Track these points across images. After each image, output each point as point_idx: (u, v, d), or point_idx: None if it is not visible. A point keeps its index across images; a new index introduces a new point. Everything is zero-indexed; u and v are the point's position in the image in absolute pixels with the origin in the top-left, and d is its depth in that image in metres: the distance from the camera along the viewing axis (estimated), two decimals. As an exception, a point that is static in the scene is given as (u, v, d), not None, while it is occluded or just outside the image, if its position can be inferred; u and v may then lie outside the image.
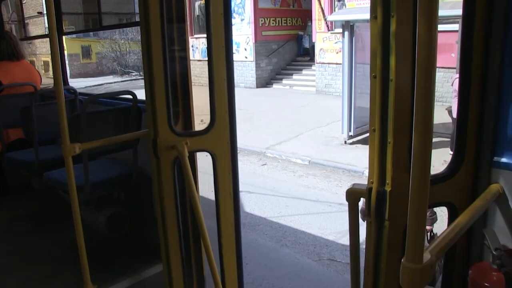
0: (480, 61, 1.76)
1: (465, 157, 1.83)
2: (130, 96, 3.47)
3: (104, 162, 3.73)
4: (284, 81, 20.30)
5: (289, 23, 21.14)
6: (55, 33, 2.61)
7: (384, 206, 1.80)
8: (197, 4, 21.74)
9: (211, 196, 2.89)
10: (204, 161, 3.06)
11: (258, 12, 19.68)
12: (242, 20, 20.15)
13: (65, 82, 5.11)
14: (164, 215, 2.68)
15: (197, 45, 22.55)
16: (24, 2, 15.39)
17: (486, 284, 1.57)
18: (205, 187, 3.25)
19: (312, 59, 19.49)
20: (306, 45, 20.82)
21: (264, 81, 20.72)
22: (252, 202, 7.67)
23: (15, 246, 3.89)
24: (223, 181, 2.82)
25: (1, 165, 4.85)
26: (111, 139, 3.08)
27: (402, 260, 1.18)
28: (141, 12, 2.44)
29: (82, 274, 3.07)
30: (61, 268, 3.46)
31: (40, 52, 23.61)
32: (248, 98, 17.92)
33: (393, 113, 1.73)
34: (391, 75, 1.70)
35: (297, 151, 10.25)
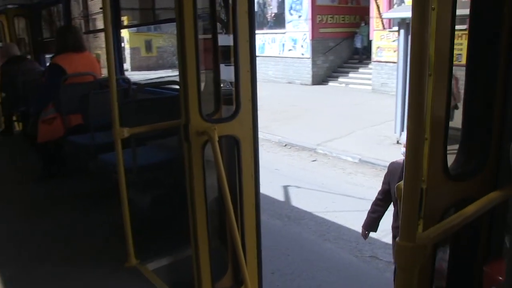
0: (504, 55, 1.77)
1: (489, 155, 1.84)
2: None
3: (152, 148, 3.99)
4: (340, 79, 20.14)
5: (347, 20, 20.91)
6: (110, 27, 2.90)
7: (421, 203, 1.78)
8: (255, 0, 21.98)
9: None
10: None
11: (316, 9, 19.62)
12: (299, 17, 20.18)
13: (121, 73, 5.47)
14: (193, 196, 2.89)
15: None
16: (91, -1, 16.32)
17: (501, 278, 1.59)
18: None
19: (368, 57, 19.18)
20: (358, 45, 20.40)
21: (320, 79, 20.65)
22: (299, 196, 7.78)
23: (71, 221, 4.23)
24: (246, 164, 3.05)
25: (63, 148, 5.28)
26: (156, 125, 3.32)
27: (397, 239, 1.27)
28: (176, 7, 2.65)
29: (126, 249, 3.35)
30: (109, 243, 3.75)
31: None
32: (303, 95, 17.97)
33: (431, 109, 1.66)
34: (430, 70, 1.62)
35: (348, 149, 10.23)
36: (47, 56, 8.51)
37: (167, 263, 3.50)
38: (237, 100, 3.00)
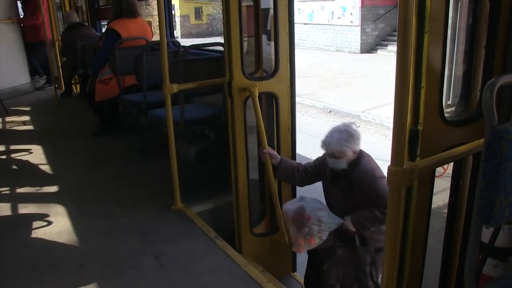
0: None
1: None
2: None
3: (197, 105, 4.32)
4: (389, 47, 19.75)
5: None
6: (162, -6, 3.19)
7: (417, 143, 1.98)
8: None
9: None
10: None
11: (366, -25, 19.18)
12: (349, -17, 19.80)
13: (171, 37, 5.79)
14: (235, 147, 3.21)
15: (303, 9, 22.60)
16: (144, -34, 16.65)
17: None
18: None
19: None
20: None
21: (369, 47, 20.31)
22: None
23: (126, 171, 4.67)
24: (284, 119, 3.37)
25: (118, 106, 5.72)
26: (202, 82, 3.63)
27: (388, 165, 1.52)
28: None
29: (173, 194, 3.72)
30: (157, 188, 4.15)
31: (157, 13, 25.18)
32: (350, 63, 17.80)
33: (426, 61, 1.88)
34: (426, 27, 1.84)
35: (391, 116, 10.20)
36: (103, 22, 8.98)
37: (209, 208, 3.85)
38: (276, 60, 3.29)
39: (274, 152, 3.26)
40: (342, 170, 2.92)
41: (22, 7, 9.13)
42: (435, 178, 2.18)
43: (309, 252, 3.24)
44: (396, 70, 1.46)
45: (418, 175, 1.60)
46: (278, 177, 3.31)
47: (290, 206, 3.01)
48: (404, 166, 1.50)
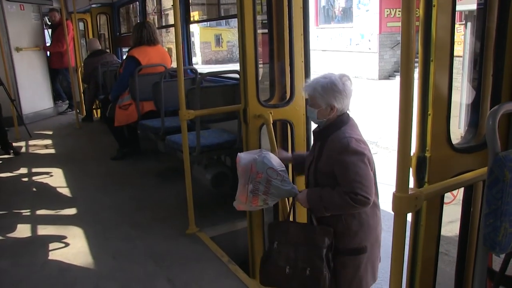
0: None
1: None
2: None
3: (214, 131, 4.39)
4: (407, 74, 19.71)
5: (417, 14, 20.32)
6: (179, 22, 3.34)
7: (424, 170, 2.00)
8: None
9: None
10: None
11: (384, 2, 19.31)
12: (367, 11, 19.97)
13: (189, 64, 5.94)
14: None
15: (322, 35, 22.78)
16: (165, -5, 17.11)
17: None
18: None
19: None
20: None
21: (387, 73, 20.32)
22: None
23: (142, 194, 4.75)
24: (299, 145, 3.41)
25: (136, 131, 5.85)
26: (218, 109, 3.72)
27: (393, 191, 1.55)
28: (238, 5, 3.01)
29: (188, 218, 3.77)
30: (173, 212, 4.20)
31: (178, 40, 25.66)
32: (368, 89, 17.79)
33: (433, 88, 1.92)
34: (432, 56, 1.89)
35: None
36: (124, 49, 9.24)
37: (224, 232, 3.89)
38: (292, 88, 3.36)
39: (285, 153, 3.04)
40: (322, 129, 2.51)
41: (50, 35, 9.46)
42: (449, 205, 2.19)
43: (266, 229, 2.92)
44: (399, 97, 1.49)
45: (425, 201, 1.62)
46: (297, 171, 3.05)
47: (245, 155, 2.60)
48: (410, 192, 1.53)
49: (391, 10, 19.59)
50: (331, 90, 2.37)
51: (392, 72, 20.35)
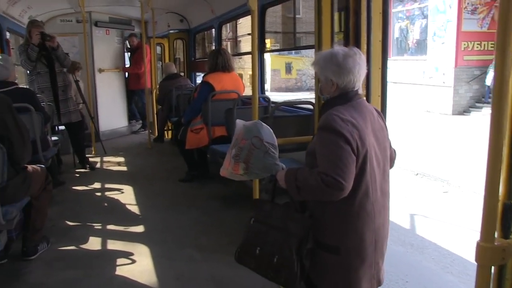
0: None
1: None
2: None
3: (284, 160, 4.34)
4: (484, 110, 18.84)
5: (497, 47, 19.51)
6: (256, 51, 3.35)
7: (510, 219, 1.86)
8: (397, 26, 21.64)
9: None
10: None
11: (461, 35, 18.69)
12: (442, 43, 19.40)
13: (262, 92, 6.00)
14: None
15: (393, 67, 22.38)
16: (239, 22, 17.66)
17: None
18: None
19: None
20: (488, 82, 18.20)
21: (462, 109, 19.51)
22: (425, 226, 7.58)
23: (208, 218, 4.80)
24: None
25: (206, 155, 5.96)
26: (289, 139, 3.71)
27: (477, 240, 1.44)
28: (316, 34, 3.01)
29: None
30: (236, 237, 4.16)
31: (248, 66, 26.29)
32: (441, 125, 17.21)
33: None
34: None
35: (481, 183, 9.60)
36: (198, 74, 9.56)
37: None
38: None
39: None
40: (322, 106, 2.36)
41: (129, 58, 10.03)
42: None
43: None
44: (489, 139, 1.39)
45: (512, 253, 1.50)
46: None
47: (241, 121, 2.46)
48: (496, 243, 1.42)
49: (469, 43, 18.90)
50: (329, 62, 2.19)
51: (467, 107, 19.52)
